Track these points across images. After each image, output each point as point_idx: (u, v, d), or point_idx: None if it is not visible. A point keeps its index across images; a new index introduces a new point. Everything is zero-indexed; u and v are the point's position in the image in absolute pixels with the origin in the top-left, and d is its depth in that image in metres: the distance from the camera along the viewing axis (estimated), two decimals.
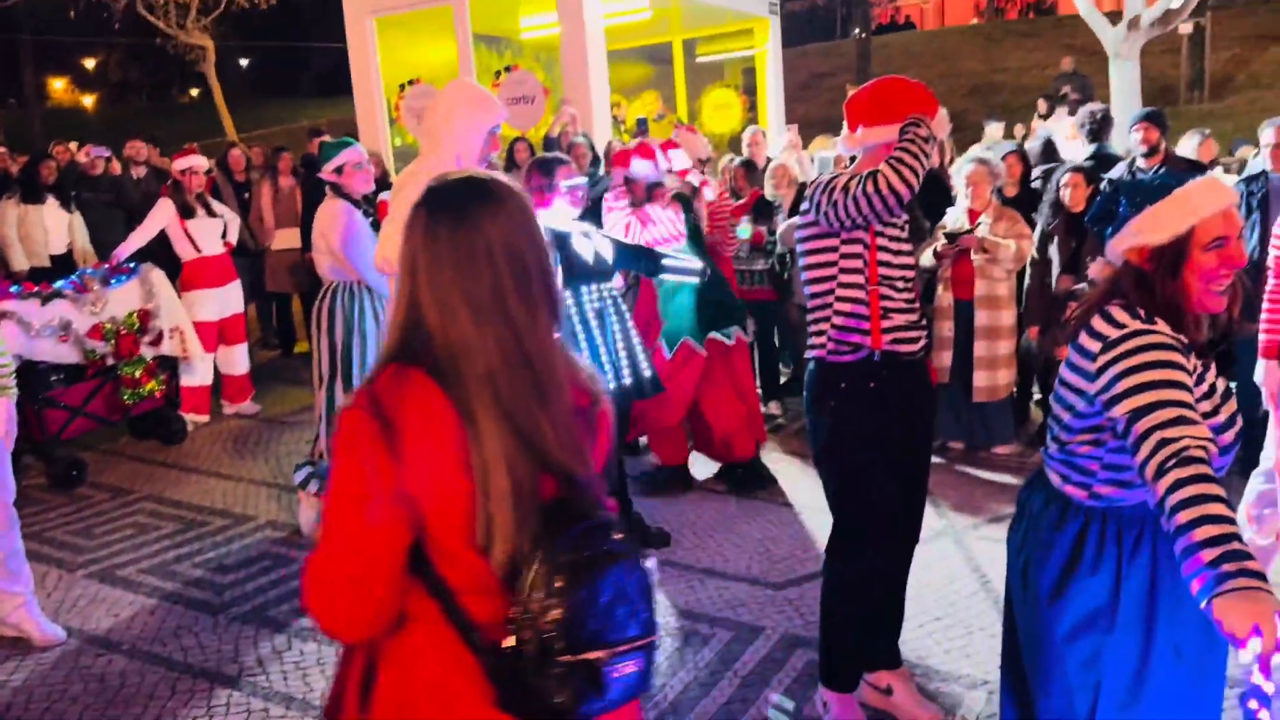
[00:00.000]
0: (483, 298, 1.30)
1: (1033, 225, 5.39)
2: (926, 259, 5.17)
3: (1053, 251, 5.25)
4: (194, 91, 38.46)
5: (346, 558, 1.28)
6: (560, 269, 3.64)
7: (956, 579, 3.89)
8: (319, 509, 4.57)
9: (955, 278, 5.27)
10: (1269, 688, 1.36)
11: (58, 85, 40.28)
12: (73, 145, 9.61)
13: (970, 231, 5.07)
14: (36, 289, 5.44)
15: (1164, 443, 1.59)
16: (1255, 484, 3.56)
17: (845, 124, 2.87)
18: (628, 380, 3.87)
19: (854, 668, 2.95)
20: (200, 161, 6.44)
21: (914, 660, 3.29)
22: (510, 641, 1.26)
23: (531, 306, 1.33)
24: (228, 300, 6.44)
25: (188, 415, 6.28)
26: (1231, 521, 1.48)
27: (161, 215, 6.11)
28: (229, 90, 22.78)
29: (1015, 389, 5.55)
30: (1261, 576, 1.41)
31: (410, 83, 9.24)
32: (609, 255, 3.89)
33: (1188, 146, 6.26)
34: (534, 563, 1.26)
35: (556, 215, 3.73)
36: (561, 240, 3.69)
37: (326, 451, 4.52)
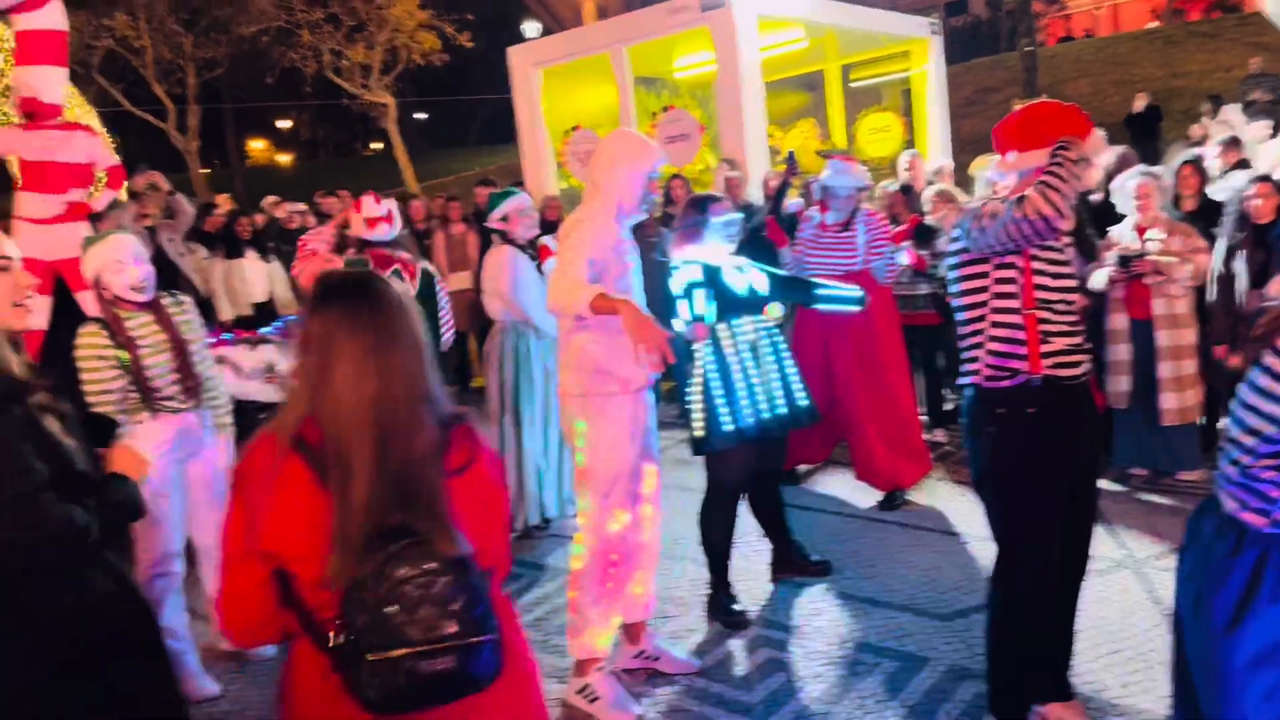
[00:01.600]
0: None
1: (1211, 239, 5.13)
2: (1099, 282, 5.01)
3: (1238, 266, 4.97)
4: (376, 146, 41.07)
5: (228, 589, 1.63)
6: (713, 303, 3.77)
7: (1136, 611, 3.74)
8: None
9: (1129, 297, 5.07)
10: None
11: (257, 146, 43.90)
12: (279, 203, 10.42)
13: (1143, 255, 4.88)
14: (246, 336, 6.02)
15: None
16: None
17: (996, 149, 2.89)
18: (783, 410, 3.94)
19: (1022, 699, 2.91)
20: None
21: (1088, 694, 3.19)
22: (333, 641, 1.52)
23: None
24: None
25: None
26: None
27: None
28: (406, 141, 24.25)
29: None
30: None
31: (573, 129, 9.65)
32: (763, 287, 3.98)
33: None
34: (359, 578, 1.51)
35: (709, 250, 3.87)
36: (713, 274, 3.81)
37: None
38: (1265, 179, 5.15)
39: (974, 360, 2.81)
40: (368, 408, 1.56)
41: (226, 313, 8.06)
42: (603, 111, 9.92)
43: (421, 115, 40.08)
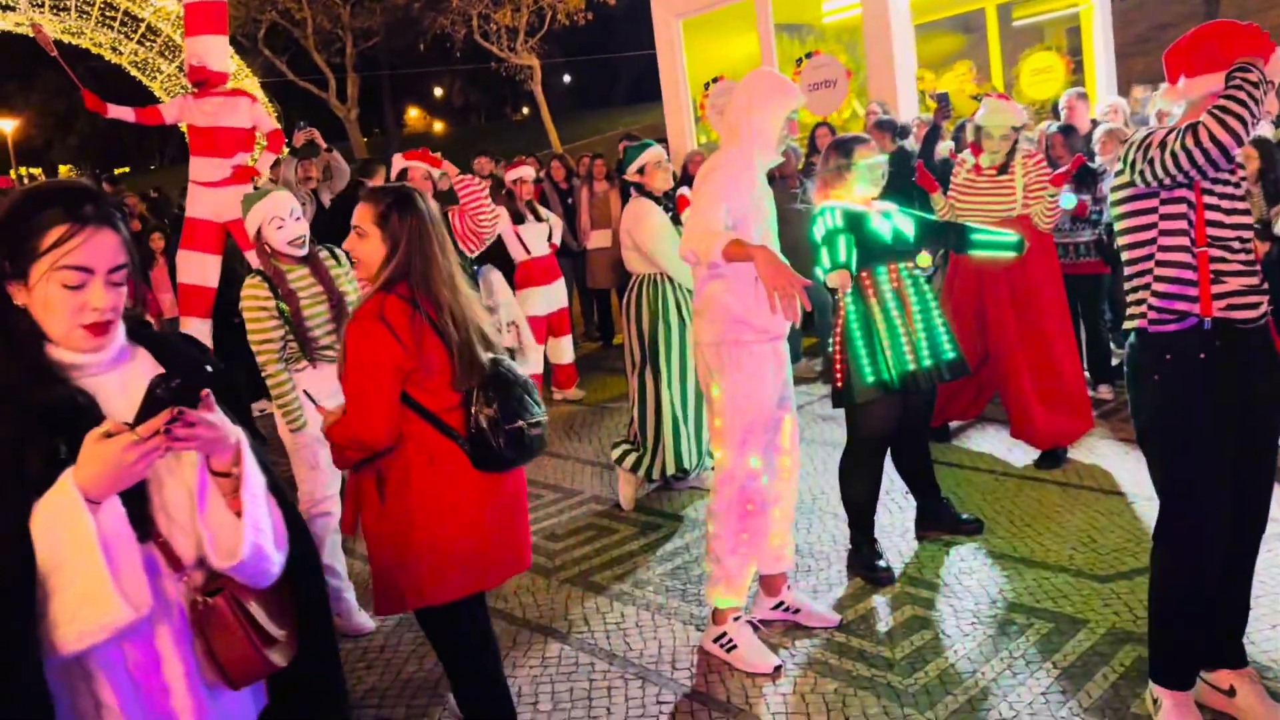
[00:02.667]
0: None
1: None
2: None
3: None
4: (524, 110, 41.78)
5: (376, 400, 2.42)
6: (855, 250, 3.64)
7: None
8: (635, 485, 4.88)
9: None
10: None
11: (412, 114, 45.41)
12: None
13: None
14: None
15: None
16: None
17: (1166, 76, 2.65)
18: (929, 363, 3.78)
19: (1190, 664, 2.71)
20: (528, 172, 7.05)
21: (1265, 663, 2.96)
22: (473, 424, 2.46)
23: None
24: (554, 296, 6.99)
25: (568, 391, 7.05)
26: None
27: (499, 222, 6.77)
28: (551, 106, 24.56)
29: None
30: None
31: (714, 80, 9.51)
32: (910, 233, 3.82)
33: None
34: (477, 390, 2.48)
35: (853, 195, 3.73)
36: (857, 220, 3.68)
37: (640, 432, 4.81)
38: None
39: (1139, 303, 2.61)
40: (453, 275, 2.52)
41: None
42: (745, 61, 9.74)
43: (567, 78, 40.48)
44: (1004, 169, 4.85)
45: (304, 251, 3.69)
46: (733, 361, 3.27)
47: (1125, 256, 2.66)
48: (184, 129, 6.98)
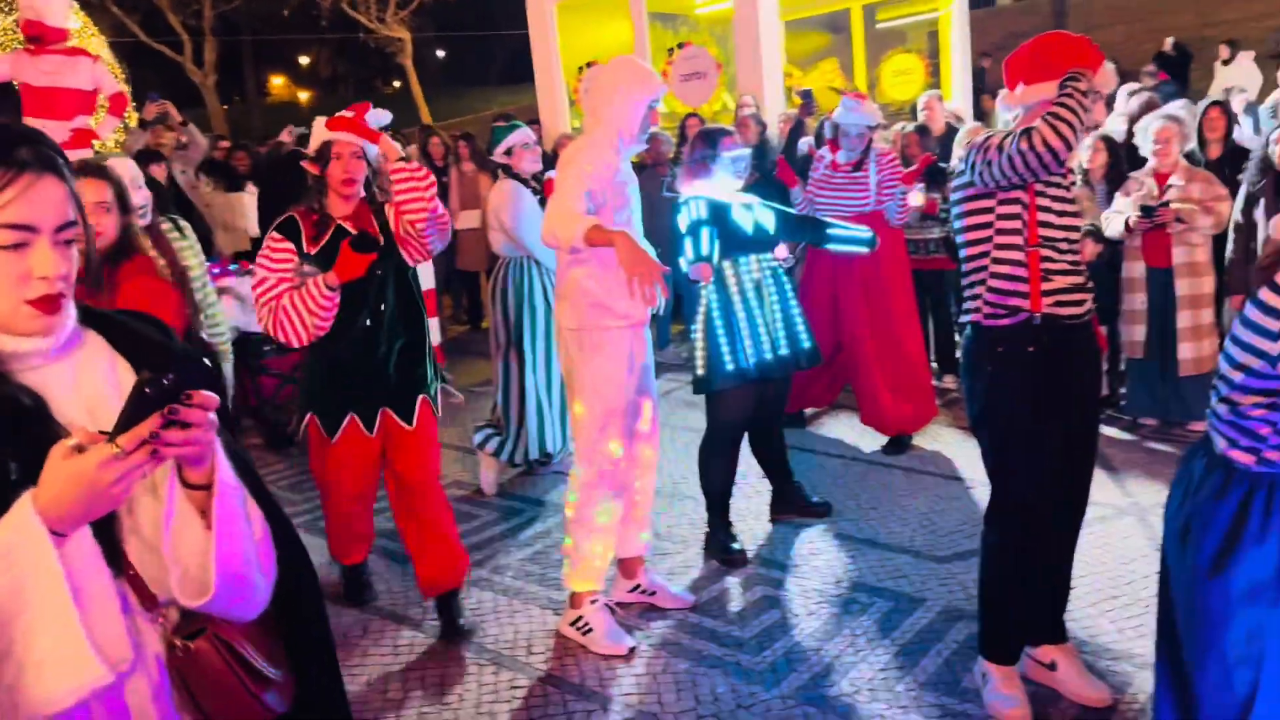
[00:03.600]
0: None
1: (1235, 186, 5.00)
2: (1116, 230, 4.90)
3: (1259, 215, 4.85)
4: (395, 83, 40.68)
5: None
6: (717, 241, 3.70)
7: (1136, 558, 3.71)
8: (497, 469, 4.85)
9: (1147, 245, 4.96)
10: None
11: (276, 82, 43.58)
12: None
13: (1166, 204, 4.76)
14: (251, 266, 6.00)
15: None
16: None
17: (1005, 82, 2.79)
18: (785, 352, 3.90)
19: (1015, 639, 2.89)
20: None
21: (1085, 638, 3.19)
22: None
23: None
24: (420, 275, 6.83)
25: None
26: None
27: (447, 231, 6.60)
28: (425, 81, 24.03)
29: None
30: None
31: (588, 65, 9.48)
32: (771, 226, 3.91)
33: None
34: None
35: (717, 186, 3.79)
36: (721, 211, 3.74)
37: (504, 417, 4.78)
38: None
39: (975, 297, 2.76)
40: None
41: (223, 246, 8.00)
42: (618, 47, 9.74)
43: (441, 53, 39.63)
44: (859, 166, 5.02)
45: (144, 221, 3.51)
46: (593, 346, 3.29)
47: (963, 254, 2.80)
48: (18, 88, 6.51)
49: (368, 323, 3.31)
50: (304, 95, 43.26)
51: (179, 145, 8.27)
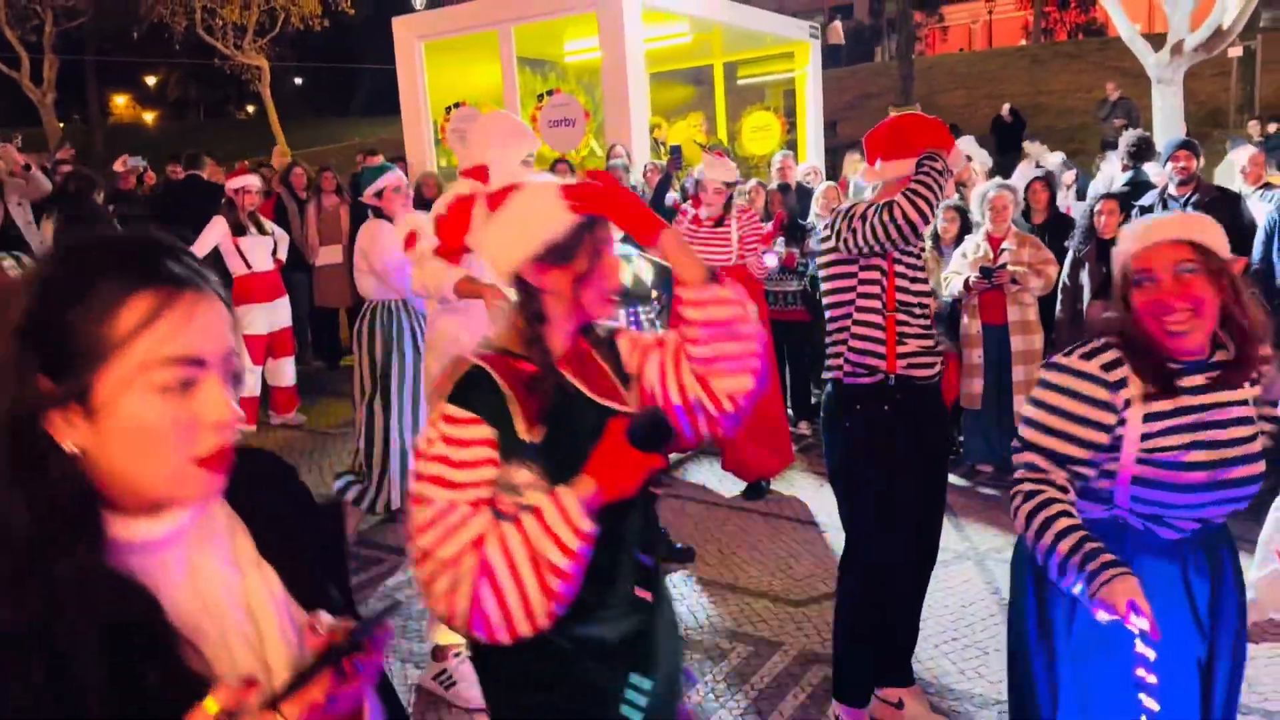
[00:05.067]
0: None
1: (1060, 252, 5.44)
2: (954, 290, 5.24)
3: (1084, 278, 5.29)
4: (250, 108, 39.43)
5: None
6: None
7: (975, 601, 3.95)
8: (357, 518, 4.74)
9: (984, 303, 5.33)
10: (1151, 655, 1.69)
11: (120, 102, 41.54)
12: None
13: (1003, 266, 5.13)
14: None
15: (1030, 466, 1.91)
16: (1277, 515, 3.58)
17: (864, 158, 2.99)
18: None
19: (865, 682, 3.04)
20: (253, 181, 6.70)
21: (928, 679, 3.36)
22: None
23: None
24: (276, 315, 6.67)
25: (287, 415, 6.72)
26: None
27: (215, 232, 6.37)
28: (284, 107, 23.39)
29: None
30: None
31: (456, 105, 9.49)
32: (648, 279, 4.04)
33: (1238, 161, 6.21)
34: None
35: None
36: None
37: (365, 464, 4.69)
38: (1111, 196, 5.49)
39: (837, 356, 2.92)
40: None
41: None
42: (487, 90, 9.81)
43: (299, 80, 38.69)
44: (720, 221, 5.22)
45: None
46: None
47: (828, 314, 2.97)
48: None
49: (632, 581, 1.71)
50: (150, 116, 41.40)
51: (9, 174, 7.76)
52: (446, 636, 3.35)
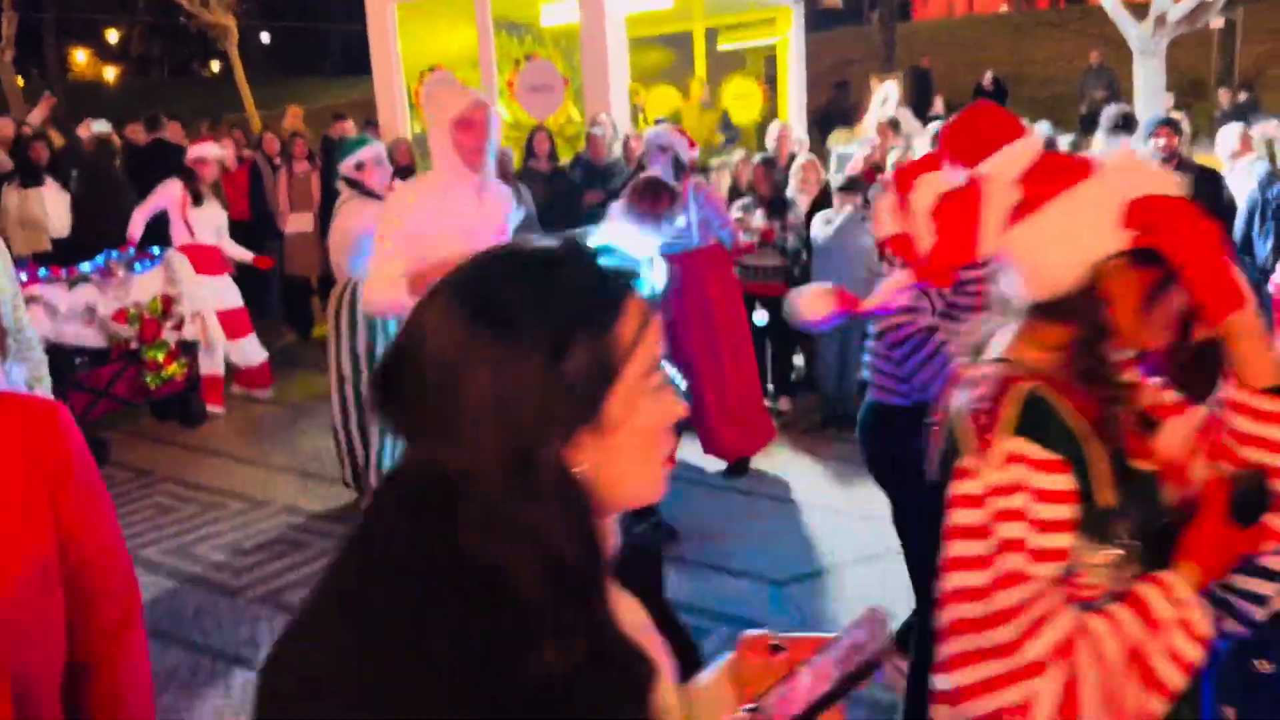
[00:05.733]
0: None
1: None
2: None
3: None
4: (215, 66, 38.61)
5: None
6: None
7: None
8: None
9: None
10: None
11: (80, 58, 40.49)
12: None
13: None
14: (63, 273, 5.55)
15: None
16: None
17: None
18: None
19: None
20: (212, 151, 6.51)
21: None
22: None
23: None
24: (222, 294, 6.44)
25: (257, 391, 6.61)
26: None
27: (165, 196, 6.21)
28: (251, 66, 22.88)
29: None
30: None
31: (431, 69, 9.29)
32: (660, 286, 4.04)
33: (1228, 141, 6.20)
34: None
35: (643, 240, 3.86)
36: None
37: (348, 451, 4.61)
38: None
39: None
40: None
41: (20, 247, 7.23)
42: (462, 54, 9.60)
43: (266, 37, 37.89)
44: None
45: None
46: None
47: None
48: None
49: None
50: (111, 73, 40.42)
51: None
52: None
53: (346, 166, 4.55)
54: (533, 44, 10.01)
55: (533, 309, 0.80)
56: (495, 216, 3.25)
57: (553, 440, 0.79)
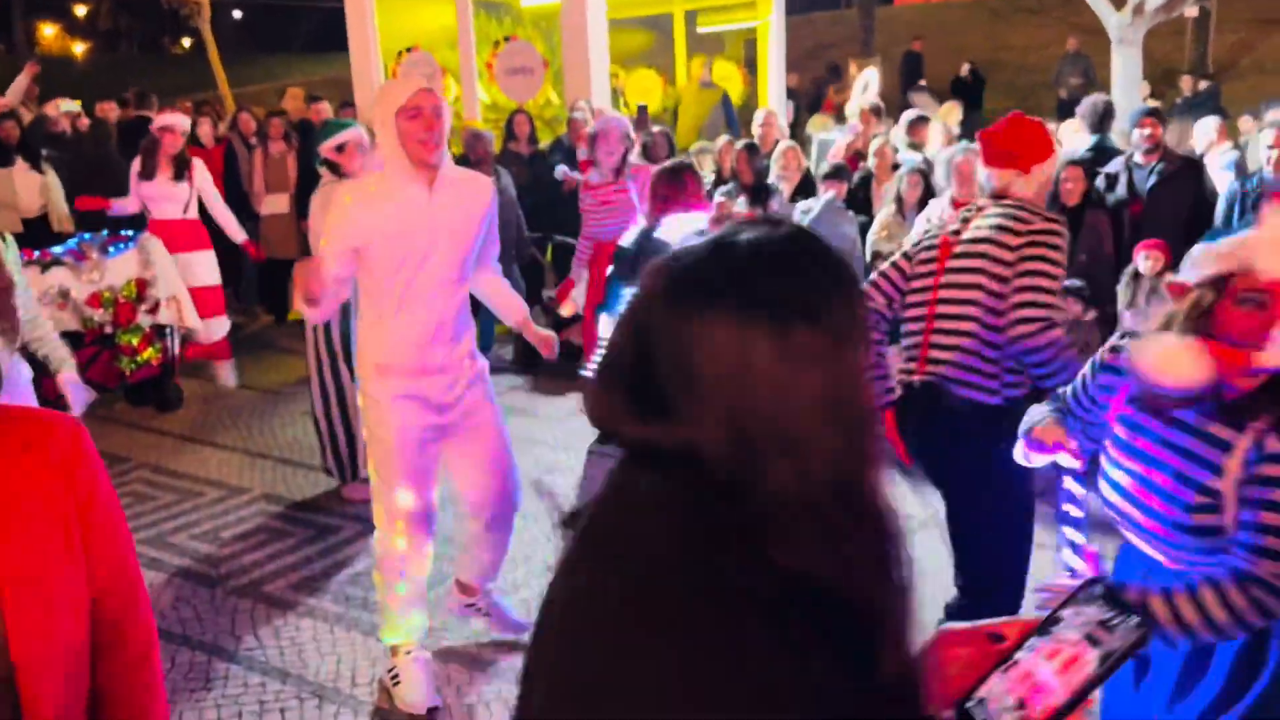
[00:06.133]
0: None
1: None
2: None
3: None
4: (186, 42, 37.97)
5: None
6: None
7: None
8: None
9: None
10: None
11: (48, 32, 39.68)
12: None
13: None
14: (36, 256, 5.44)
15: None
16: None
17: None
18: None
19: None
20: (180, 121, 6.37)
21: None
22: None
23: None
24: (194, 267, 6.29)
25: (218, 364, 6.54)
26: None
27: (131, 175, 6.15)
28: (223, 42, 22.46)
29: None
30: None
31: (409, 50, 9.17)
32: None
33: (1203, 133, 6.26)
34: None
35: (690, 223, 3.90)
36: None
37: (329, 435, 4.56)
38: (1075, 163, 5.48)
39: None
40: None
41: None
42: (441, 33, 9.47)
43: (238, 13, 37.31)
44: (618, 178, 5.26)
45: None
46: (365, 393, 3.09)
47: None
48: None
49: None
50: (79, 48, 39.64)
51: None
52: (392, 637, 3.18)
53: (327, 148, 4.46)
54: (512, 25, 9.90)
55: (833, 303, 0.78)
56: (453, 217, 2.92)
57: (869, 443, 0.78)
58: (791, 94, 11.94)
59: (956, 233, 2.83)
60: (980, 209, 2.84)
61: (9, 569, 1.11)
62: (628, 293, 3.70)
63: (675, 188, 4.00)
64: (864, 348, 0.78)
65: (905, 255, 2.98)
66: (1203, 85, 12.73)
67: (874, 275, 3.03)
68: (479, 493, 3.24)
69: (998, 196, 2.83)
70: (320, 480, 4.81)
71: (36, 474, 1.15)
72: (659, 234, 3.90)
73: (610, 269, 4.22)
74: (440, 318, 2.97)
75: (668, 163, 4.19)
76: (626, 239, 4.16)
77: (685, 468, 0.78)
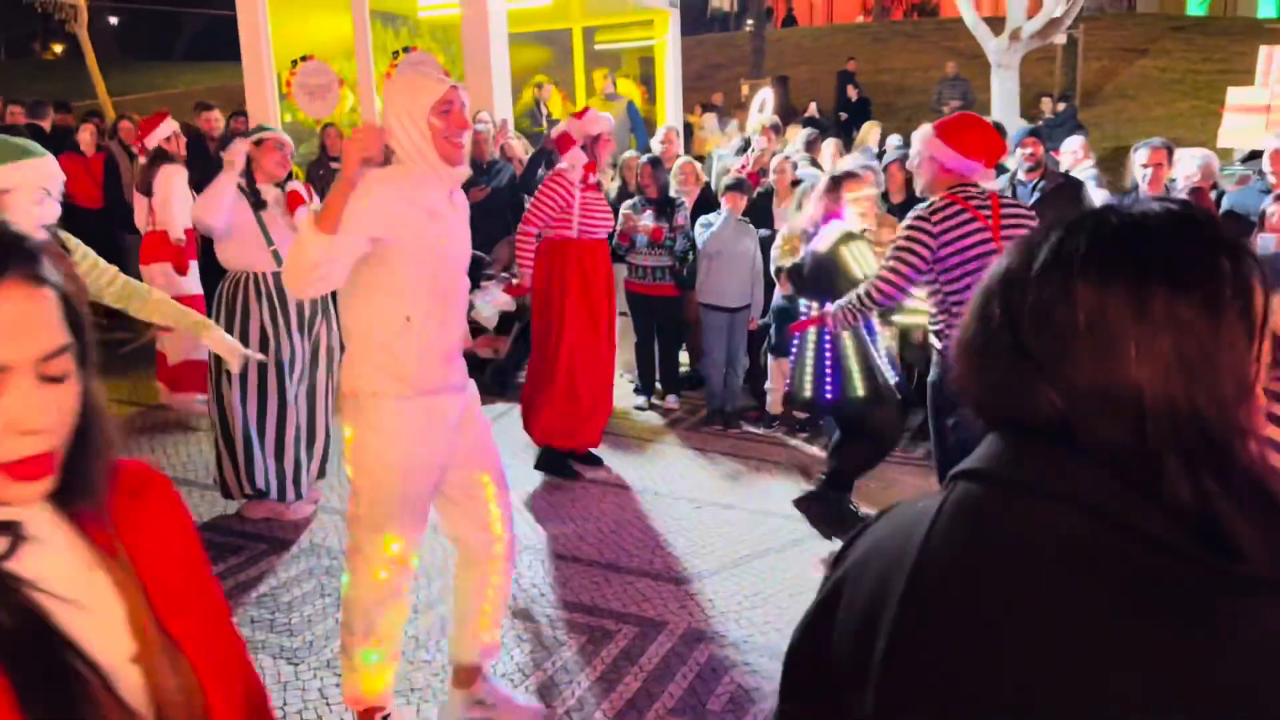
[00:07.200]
0: None
1: None
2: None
3: None
4: (58, 48, 36.26)
5: None
6: None
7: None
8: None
9: None
10: None
11: None
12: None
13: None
14: None
15: None
16: None
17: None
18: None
19: None
20: (172, 127, 6.11)
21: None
22: None
23: None
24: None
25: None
26: None
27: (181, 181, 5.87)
28: (97, 47, 21.51)
29: None
30: None
31: (303, 59, 8.98)
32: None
33: (1069, 150, 6.63)
34: None
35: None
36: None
37: (226, 447, 4.40)
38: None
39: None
40: None
41: None
42: (337, 42, 9.30)
43: (114, 19, 35.83)
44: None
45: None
46: (364, 419, 2.70)
47: None
48: None
49: None
50: None
51: None
52: (360, 700, 2.84)
53: (245, 142, 4.34)
54: (409, 36, 9.79)
55: (1201, 271, 0.79)
56: (462, 220, 2.78)
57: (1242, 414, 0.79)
58: (713, 108, 12.17)
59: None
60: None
61: (178, 620, 0.99)
62: (805, 305, 3.87)
63: (834, 198, 4.26)
64: (1243, 318, 0.79)
65: (923, 230, 3.42)
66: (1060, 107, 13.45)
67: (900, 260, 3.49)
68: (487, 511, 2.95)
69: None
70: (218, 500, 4.63)
71: (156, 519, 1.03)
72: (817, 246, 4.22)
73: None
74: (463, 327, 2.86)
75: (833, 172, 4.43)
76: (791, 260, 4.57)
77: (1064, 444, 0.81)
